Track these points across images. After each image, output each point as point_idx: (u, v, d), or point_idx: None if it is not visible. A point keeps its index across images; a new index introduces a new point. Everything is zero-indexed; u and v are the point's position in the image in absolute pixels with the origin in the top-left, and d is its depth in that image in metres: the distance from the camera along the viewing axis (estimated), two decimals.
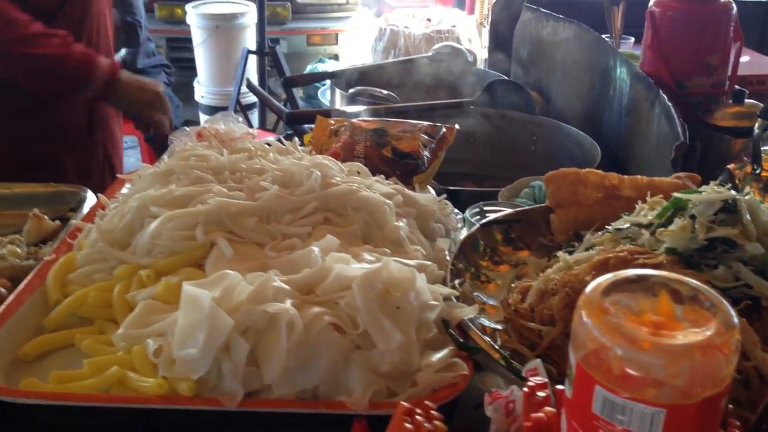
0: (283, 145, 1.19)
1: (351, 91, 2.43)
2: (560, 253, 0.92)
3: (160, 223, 0.93)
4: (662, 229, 0.83)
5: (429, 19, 5.05)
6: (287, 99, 2.48)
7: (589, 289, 0.55)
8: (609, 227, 0.93)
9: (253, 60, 4.03)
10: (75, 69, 1.59)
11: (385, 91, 2.43)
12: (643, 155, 1.78)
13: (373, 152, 1.19)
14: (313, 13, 5.45)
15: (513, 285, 0.95)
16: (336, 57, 5.43)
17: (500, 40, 3.25)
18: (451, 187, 1.36)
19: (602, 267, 0.79)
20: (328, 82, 2.51)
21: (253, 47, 4.06)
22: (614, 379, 0.49)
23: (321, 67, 4.48)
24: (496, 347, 0.82)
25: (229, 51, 4.68)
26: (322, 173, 1.02)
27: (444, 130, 1.26)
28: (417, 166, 1.18)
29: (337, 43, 5.47)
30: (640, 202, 0.96)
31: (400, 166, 1.17)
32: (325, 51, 5.34)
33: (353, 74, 2.66)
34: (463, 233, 1.14)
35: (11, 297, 0.89)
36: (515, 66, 2.77)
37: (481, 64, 4.11)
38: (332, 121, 1.30)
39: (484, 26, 5.33)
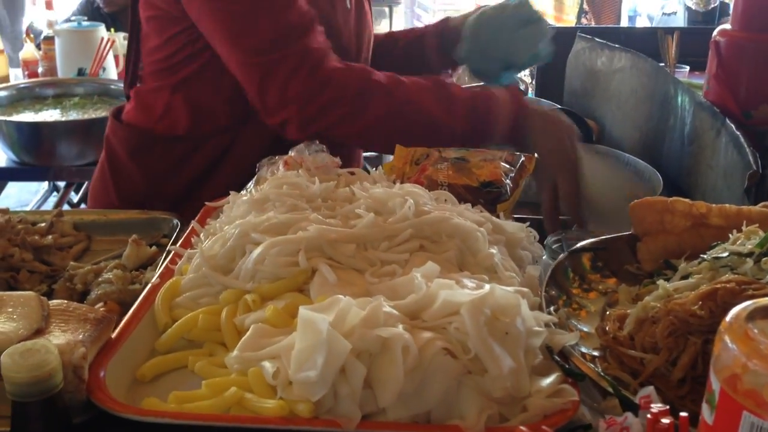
0: (368, 173, 1.22)
1: None
2: (661, 282, 0.93)
3: (264, 249, 0.96)
4: (766, 258, 0.84)
5: None
6: None
7: (730, 316, 0.56)
8: (705, 256, 0.94)
9: None
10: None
11: None
12: (708, 184, 1.78)
13: (456, 180, 1.21)
14: None
15: (607, 312, 0.96)
16: None
17: (549, 68, 3.27)
18: (524, 216, 1.38)
19: (710, 297, 0.80)
20: None
21: None
22: (764, 404, 0.51)
23: None
24: (602, 374, 0.83)
25: None
26: (415, 201, 1.04)
27: (523, 158, 1.29)
28: (500, 195, 1.20)
29: None
30: (734, 231, 0.97)
31: (484, 195, 1.19)
32: None
33: None
34: (545, 260, 1.16)
35: (124, 320, 0.92)
36: (568, 94, 2.78)
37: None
38: (412, 150, 1.32)
39: None
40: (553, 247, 1.23)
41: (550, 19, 5.10)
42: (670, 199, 1.10)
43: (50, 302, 0.86)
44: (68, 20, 3.40)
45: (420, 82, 1.29)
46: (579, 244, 1.10)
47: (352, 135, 1.31)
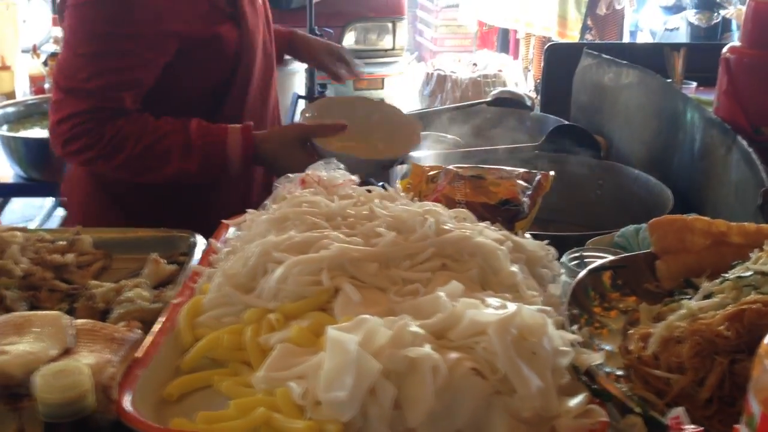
0: (385, 190, 1.23)
1: None
2: (685, 302, 0.93)
3: (286, 268, 0.96)
4: None
5: (475, 64, 5.14)
6: None
7: None
8: (728, 275, 0.94)
9: (302, 105, 4.13)
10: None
11: (450, 135, 2.47)
12: (719, 200, 1.78)
13: (473, 198, 1.22)
14: (359, 58, 5.57)
15: (630, 332, 0.97)
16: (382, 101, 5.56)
17: (554, 84, 3.29)
18: (540, 233, 1.38)
19: (736, 318, 0.81)
20: None
21: (302, 92, 4.13)
22: None
23: None
24: (629, 394, 0.83)
25: (279, 96, 4.78)
26: (435, 219, 1.05)
27: (539, 176, 1.29)
28: (518, 212, 1.20)
29: (383, 88, 5.59)
30: (756, 250, 0.97)
31: (502, 212, 1.20)
32: (371, 95, 5.46)
33: None
34: (564, 278, 1.16)
35: (148, 339, 0.92)
36: (575, 110, 2.79)
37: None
38: (428, 167, 1.33)
39: (529, 70, 5.43)
40: (570, 264, 1.23)
41: (554, 35, 5.13)
42: (690, 217, 1.11)
43: (76, 321, 0.86)
44: None
45: (166, 129, 1.52)
46: (598, 263, 1.11)
47: (110, 170, 1.55)
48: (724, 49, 1.89)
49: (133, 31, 1.45)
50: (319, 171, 1.27)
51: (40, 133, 2.68)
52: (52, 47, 3.24)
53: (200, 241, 1.24)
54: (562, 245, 1.25)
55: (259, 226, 1.11)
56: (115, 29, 1.45)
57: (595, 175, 2.14)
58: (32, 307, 1.05)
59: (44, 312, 0.87)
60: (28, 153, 2.57)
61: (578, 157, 2.17)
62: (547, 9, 5.07)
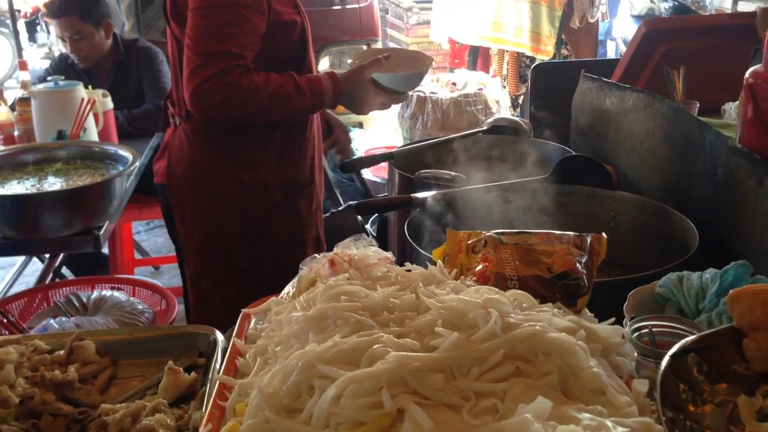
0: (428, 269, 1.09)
1: (418, 174, 2.35)
2: None
3: (338, 388, 0.82)
4: None
5: (454, 83, 5.02)
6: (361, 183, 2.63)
7: None
8: None
9: None
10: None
11: (453, 173, 2.36)
12: (750, 234, 1.69)
13: (526, 273, 1.09)
14: None
15: None
16: (360, 125, 5.40)
17: (543, 104, 3.20)
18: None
19: None
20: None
21: None
22: None
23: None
24: None
25: None
26: (498, 311, 0.91)
27: (591, 239, 1.17)
28: (578, 287, 1.07)
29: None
30: None
31: (560, 288, 1.07)
32: (349, 119, 5.32)
33: (409, 153, 2.60)
34: (637, 358, 1.03)
35: None
36: (575, 134, 2.70)
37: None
38: (464, 234, 1.20)
39: (504, 86, 5.34)
40: (634, 336, 1.11)
41: (528, 51, 5.03)
42: None
43: None
44: (44, 79, 3.22)
45: (280, 79, 1.93)
46: (678, 345, 0.98)
47: (243, 117, 1.95)
48: (747, 75, 1.80)
49: (250, 2, 1.84)
50: (348, 248, 1.13)
51: (14, 187, 2.50)
52: (20, 92, 3.04)
53: (220, 339, 1.08)
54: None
55: (293, 326, 0.97)
56: (232, 1, 1.82)
57: (607, 207, 2.04)
58: None
59: None
60: (2, 211, 2.38)
61: (589, 189, 2.07)
62: (520, 24, 4.98)
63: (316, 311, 0.96)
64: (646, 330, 1.09)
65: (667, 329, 1.10)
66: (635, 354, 1.02)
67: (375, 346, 0.87)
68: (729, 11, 5.07)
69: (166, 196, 2.19)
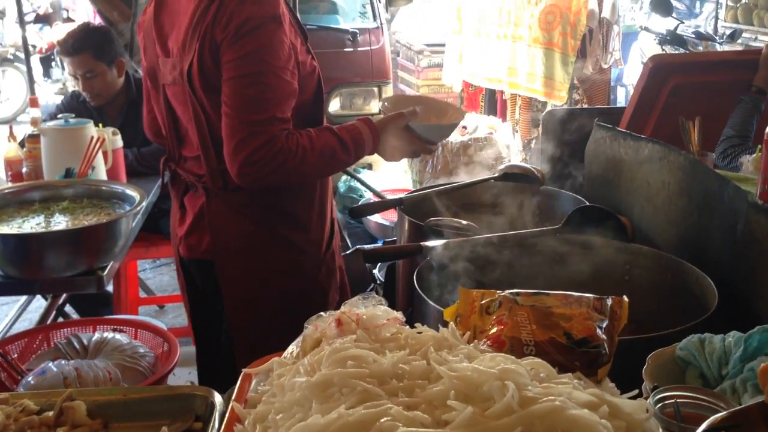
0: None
1: (429, 222, 2.31)
2: None
3: None
4: None
5: (465, 127, 5.00)
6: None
7: None
8: None
9: None
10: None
11: (464, 222, 2.31)
12: None
13: (543, 338, 1.03)
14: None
15: None
16: (369, 166, 5.37)
17: (554, 150, 3.16)
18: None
19: None
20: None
21: None
22: None
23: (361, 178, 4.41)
24: None
25: None
26: (515, 383, 0.86)
27: (611, 302, 1.11)
28: (599, 356, 1.01)
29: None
30: None
31: (579, 356, 1.01)
32: (359, 161, 5.28)
33: (419, 199, 2.56)
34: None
35: None
36: (588, 183, 2.66)
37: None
38: (477, 294, 1.15)
39: (516, 131, 5.32)
40: (657, 407, 1.05)
41: (541, 96, 5.03)
42: None
43: None
44: (55, 116, 3.22)
45: (320, 134, 1.89)
46: (707, 423, 0.92)
47: (297, 180, 1.95)
48: None
49: (282, 64, 1.81)
50: (356, 307, 1.08)
51: (18, 225, 2.46)
52: (30, 128, 3.03)
53: (218, 401, 1.03)
54: None
55: (296, 392, 0.91)
56: (270, 66, 1.79)
57: (621, 260, 1.98)
58: None
59: None
60: (5, 250, 2.33)
61: (603, 240, 2.02)
62: (533, 70, 4.98)
63: (320, 377, 0.91)
64: (670, 401, 1.03)
65: (691, 400, 1.04)
66: (660, 430, 0.95)
67: (383, 420, 0.81)
68: None
69: (207, 272, 2.10)
